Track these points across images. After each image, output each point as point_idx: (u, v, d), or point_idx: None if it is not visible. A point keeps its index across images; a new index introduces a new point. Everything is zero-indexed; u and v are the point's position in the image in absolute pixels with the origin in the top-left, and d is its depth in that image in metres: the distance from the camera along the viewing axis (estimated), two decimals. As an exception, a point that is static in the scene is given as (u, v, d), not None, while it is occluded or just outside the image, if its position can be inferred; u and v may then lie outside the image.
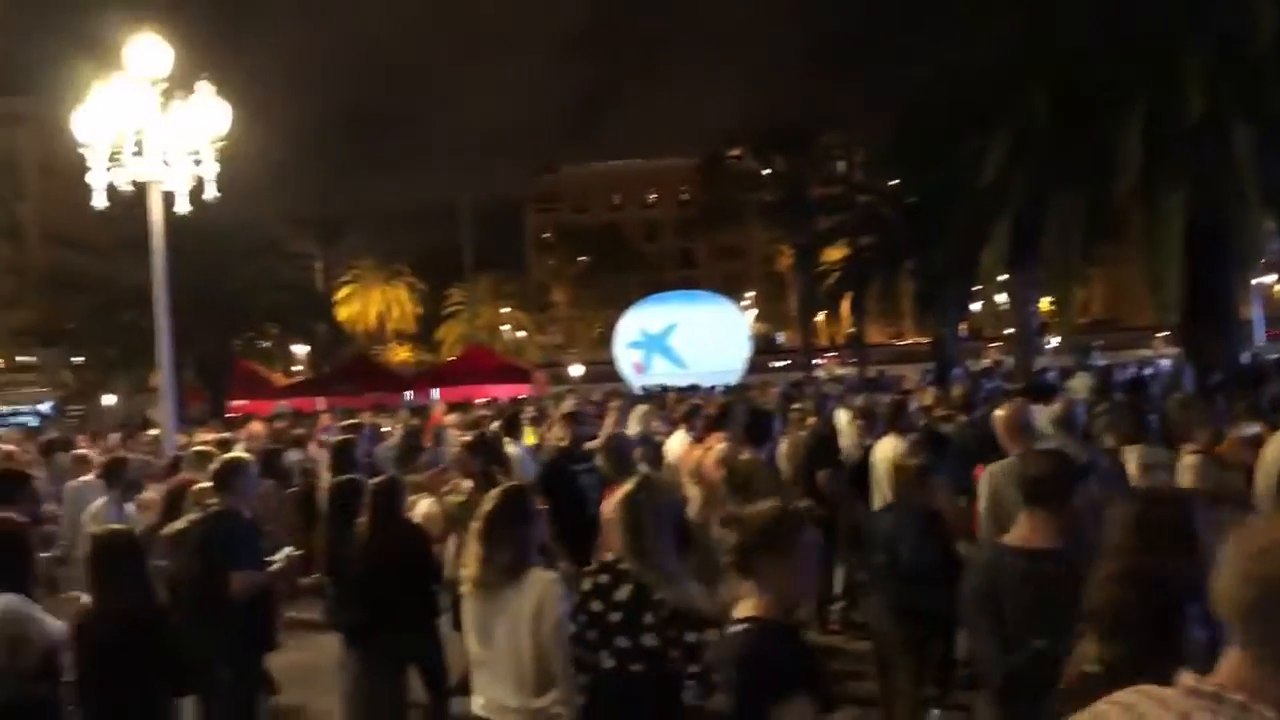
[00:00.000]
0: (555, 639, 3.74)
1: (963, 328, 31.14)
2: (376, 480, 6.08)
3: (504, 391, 27.53)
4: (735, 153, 56.59)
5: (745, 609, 2.97)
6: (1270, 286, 36.22)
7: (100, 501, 7.23)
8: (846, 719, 6.36)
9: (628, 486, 3.92)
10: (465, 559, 4.03)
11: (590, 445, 7.92)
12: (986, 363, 30.54)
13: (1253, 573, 1.46)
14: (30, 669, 3.92)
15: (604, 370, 40.12)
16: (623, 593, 3.60)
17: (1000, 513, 4.50)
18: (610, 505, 3.79)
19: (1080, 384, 14.33)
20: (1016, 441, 4.96)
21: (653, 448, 8.30)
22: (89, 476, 8.54)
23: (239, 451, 7.67)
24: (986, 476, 4.95)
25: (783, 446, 8.34)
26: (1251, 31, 13.43)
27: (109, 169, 10.32)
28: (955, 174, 16.47)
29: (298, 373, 42.62)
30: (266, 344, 38.70)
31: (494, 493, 4.14)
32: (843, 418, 10.01)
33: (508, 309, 65.80)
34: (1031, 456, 4.18)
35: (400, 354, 63.02)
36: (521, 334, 67.15)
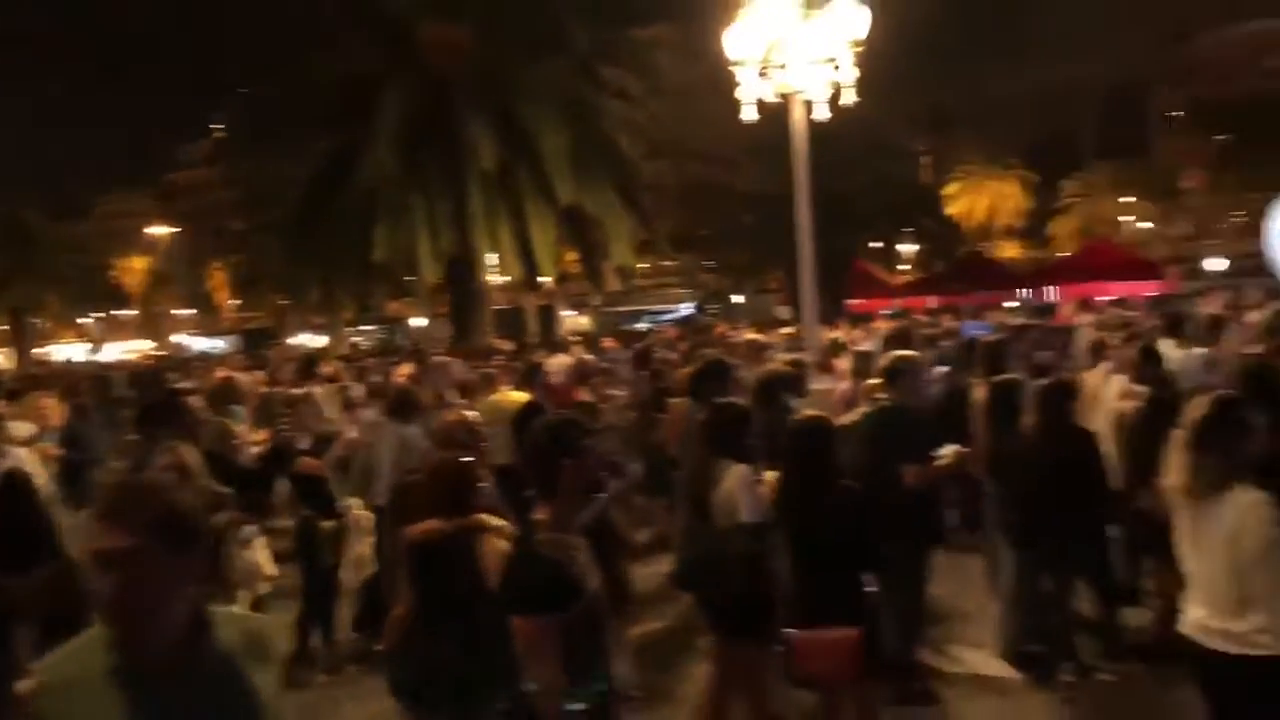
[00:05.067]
0: (1256, 564, 3.46)
1: None
2: (1045, 383, 5.93)
3: (1129, 289, 25.50)
4: None
5: None
6: None
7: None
8: None
9: None
10: (1170, 467, 3.79)
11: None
12: None
13: None
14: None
15: (1250, 264, 35.40)
16: None
17: None
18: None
19: None
20: None
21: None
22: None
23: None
24: None
25: None
26: None
27: (756, 83, 11.03)
28: None
29: (904, 271, 43.11)
30: (878, 244, 39.67)
31: (1204, 400, 3.81)
32: None
33: (1129, 199, 60.47)
34: None
35: (1009, 250, 60.97)
36: (1145, 225, 61.48)
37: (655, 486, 8.67)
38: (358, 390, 10.43)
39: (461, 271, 20.68)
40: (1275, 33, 69.90)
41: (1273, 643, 3.44)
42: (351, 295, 23.28)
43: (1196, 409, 3.71)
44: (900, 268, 44.81)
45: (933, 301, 26.99)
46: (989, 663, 6.18)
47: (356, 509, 7.45)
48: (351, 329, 44.37)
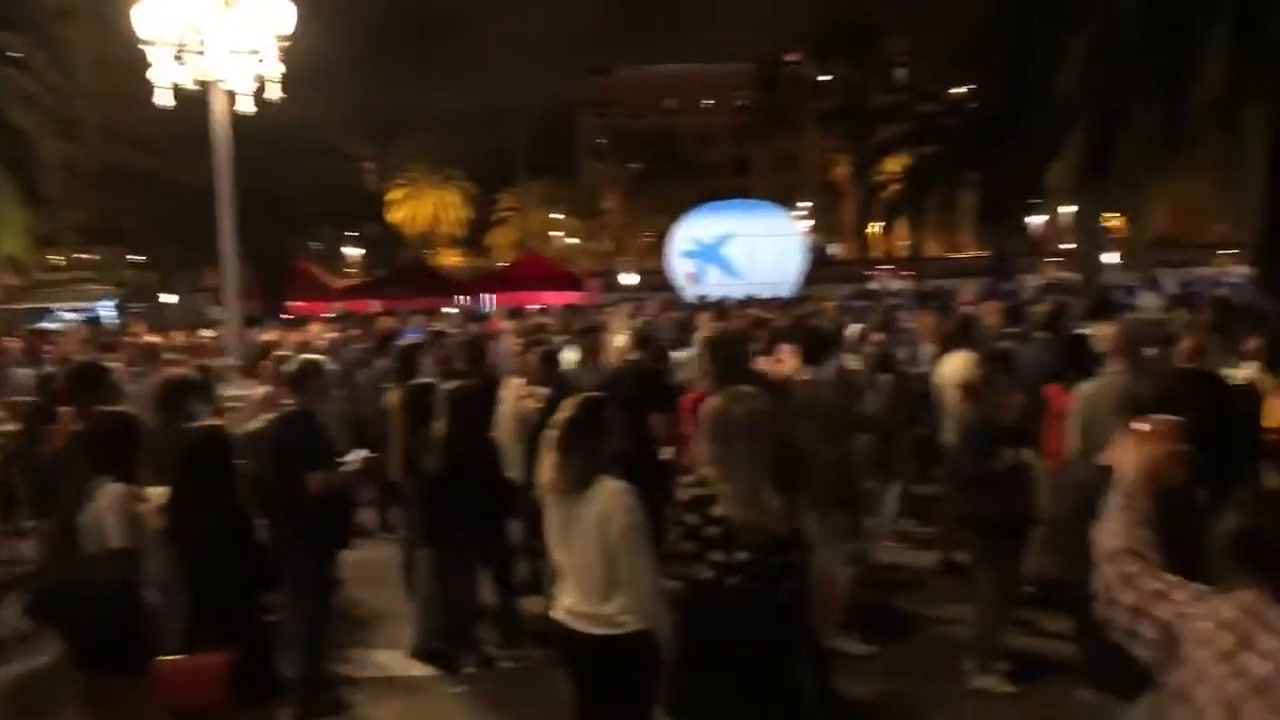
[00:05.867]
0: (621, 547, 3.77)
1: (1021, 243, 30.56)
2: (453, 386, 6.11)
3: (556, 299, 27.53)
4: (794, 57, 55.35)
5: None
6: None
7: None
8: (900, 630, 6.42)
9: (717, 397, 3.86)
10: (542, 466, 4.03)
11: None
12: (1040, 280, 30.08)
13: None
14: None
15: (657, 279, 40.01)
16: (719, 508, 3.55)
17: (1092, 430, 4.37)
18: (702, 414, 3.73)
19: (1150, 302, 14.01)
20: (1124, 359, 4.73)
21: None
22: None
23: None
24: (1078, 394, 4.83)
25: (851, 362, 8.22)
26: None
27: (171, 66, 10.24)
28: (1027, 82, 15.94)
29: (350, 275, 42.88)
30: (320, 246, 38.99)
31: (572, 401, 4.11)
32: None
33: (559, 215, 65.50)
34: (1140, 375, 4.08)
35: (451, 258, 63.16)
36: (572, 240, 66.95)
37: (45, 505, 7.69)
38: None
39: None
40: (673, 76, 79.85)
41: (634, 621, 3.80)
42: None
43: (564, 410, 4.00)
44: (347, 271, 44.43)
45: (375, 306, 27.04)
46: (400, 662, 6.25)
47: None
48: None
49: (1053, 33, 15.22)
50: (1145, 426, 2.26)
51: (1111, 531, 1.99)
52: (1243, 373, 7.01)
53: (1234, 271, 29.86)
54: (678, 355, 8.32)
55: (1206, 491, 4.98)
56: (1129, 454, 2.21)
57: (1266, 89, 13.45)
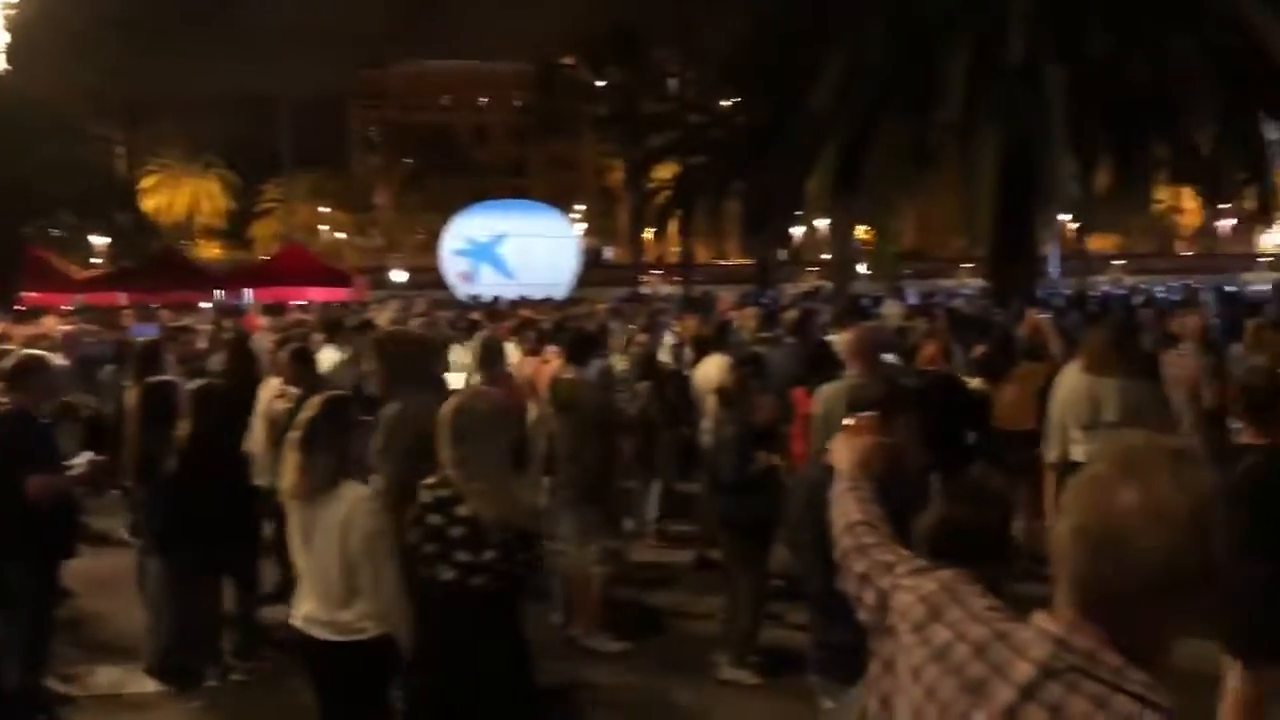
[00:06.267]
0: (363, 552, 3.68)
1: (783, 252, 32.02)
2: (199, 385, 5.79)
3: (322, 295, 26.62)
4: (569, 61, 55.70)
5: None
6: (1066, 225, 38.59)
7: None
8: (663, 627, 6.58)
9: (457, 397, 3.83)
10: (284, 468, 3.88)
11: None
12: (805, 286, 31.63)
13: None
14: None
15: (428, 277, 39.38)
16: (466, 508, 3.51)
17: (831, 432, 4.57)
18: (441, 415, 3.69)
19: (893, 310, 14.91)
20: (861, 364, 4.99)
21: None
22: None
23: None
24: (819, 396, 5.07)
25: (619, 362, 8.35)
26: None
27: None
28: (788, 98, 16.68)
29: (96, 265, 39.94)
30: (61, 233, 36.11)
31: (314, 401, 3.97)
32: (668, 338, 10.21)
33: (326, 208, 63.38)
34: (868, 380, 4.32)
35: (209, 250, 59.99)
36: (340, 235, 64.97)
37: None
38: None
39: None
40: (449, 72, 78.85)
41: (373, 627, 3.70)
42: None
43: (307, 410, 3.86)
44: (94, 261, 41.34)
45: (121, 298, 25.28)
46: (133, 678, 5.85)
47: None
48: None
49: (810, 51, 16.00)
50: (852, 422, 2.41)
51: (843, 510, 2.11)
52: (975, 380, 7.61)
53: (971, 284, 32.34)
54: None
55: (938, 479, 5.38)
56: (844, 447, 2.35)
57: (998, 114, 14.64)
